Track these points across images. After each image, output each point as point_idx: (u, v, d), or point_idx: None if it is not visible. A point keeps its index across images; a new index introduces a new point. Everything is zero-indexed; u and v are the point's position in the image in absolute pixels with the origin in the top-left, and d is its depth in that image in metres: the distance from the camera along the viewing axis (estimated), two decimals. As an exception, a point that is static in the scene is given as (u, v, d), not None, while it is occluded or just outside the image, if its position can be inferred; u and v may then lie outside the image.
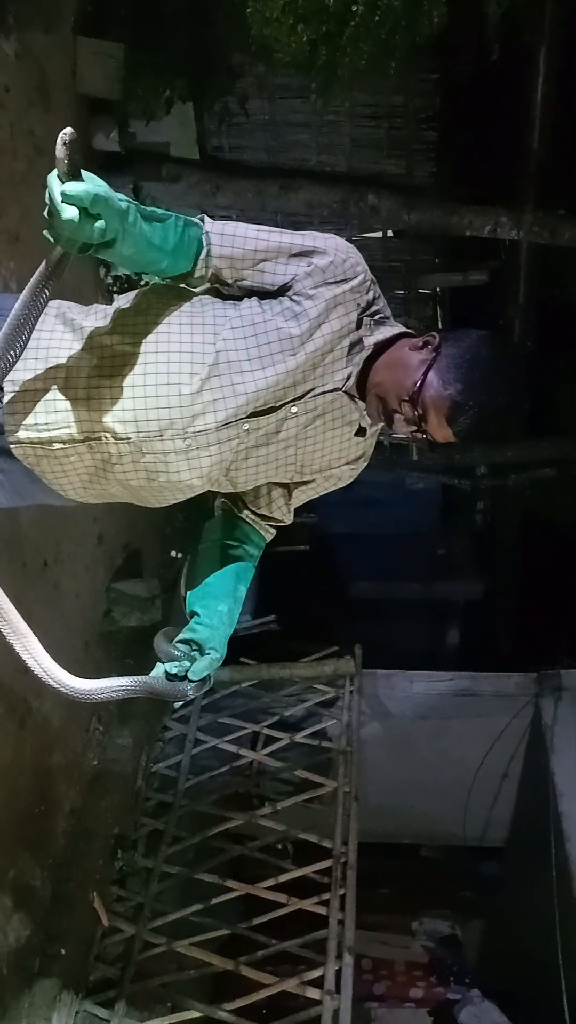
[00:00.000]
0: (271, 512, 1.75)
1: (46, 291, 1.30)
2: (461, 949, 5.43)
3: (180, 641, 1.59)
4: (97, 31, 3.88)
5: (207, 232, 1.48)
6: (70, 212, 1.19)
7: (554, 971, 4.24)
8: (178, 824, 4.13)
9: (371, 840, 4.31)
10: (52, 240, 1.25)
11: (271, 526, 1.78)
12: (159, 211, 1.41)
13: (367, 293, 1.56)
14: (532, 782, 5.04)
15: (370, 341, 1.58)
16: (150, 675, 1.54)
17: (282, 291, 1.53)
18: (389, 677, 5.12)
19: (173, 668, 1.53)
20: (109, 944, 3.72)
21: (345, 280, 1.52)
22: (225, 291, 1.55)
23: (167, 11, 4.03)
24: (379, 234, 5.30)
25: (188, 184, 4.48)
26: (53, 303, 1.51)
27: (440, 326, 5.70)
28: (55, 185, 1.19)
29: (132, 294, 1.55)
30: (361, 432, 1.65)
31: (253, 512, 1.74)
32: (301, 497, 1.76)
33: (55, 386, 1.49)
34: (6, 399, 1.51)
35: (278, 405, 1.52)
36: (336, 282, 1.52)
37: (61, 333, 1.52)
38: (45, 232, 1.24)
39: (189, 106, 4.44)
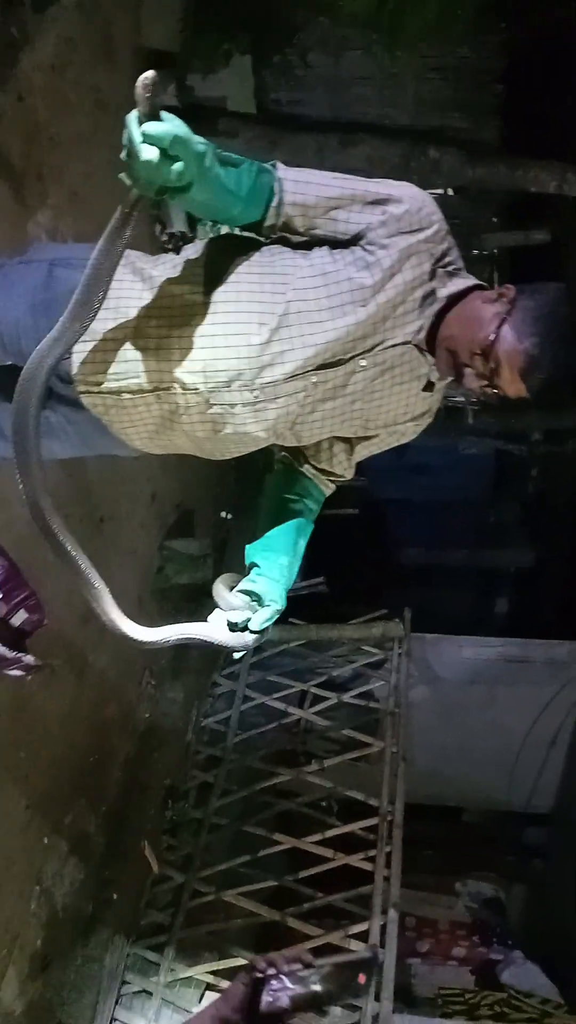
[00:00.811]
0: (332, 467, 1.74)
1: (124, 236, 1.29)
2: (505, 912, 5.47)
3: (241, 591, 1.60)
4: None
5: (280, 179, 1.44)
6: (149, 152, 1.17)
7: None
8: (227, 778, 4.21)
9: (416, 801, 4.34)
10: (129, 182, 1.23)
11: (331, 481, 1.77)
12: (234, 156, 1.39)
13: (441, 243, 1.52)
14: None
15: (443, 293, 1.54)
16: (210, 623, 1.56)
17: (354, 240, 1.49)
18: (438, 641, 5.11)
19: (235, 617, 1.54)
20: (159, 891, 3.83)
21: (420, 230, 1.49)
22: (295, 240, 1.52)
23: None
24: (440, 191, 5.18)
25: (245, 139, 4.42)
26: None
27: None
28: (135, 126, 1.17)
29: (200, 244, 1.54)
30: (429, 387, 1.63)
31: (313, 467, 1.74)
32: (363, 452, 1.75)
33: (124, 336, 1.49)
34: (76, 347, 1.52)
35: (347, 358, 1.50)
36: (411, 231, 1.48)
37: (131, 283, 1.51)
38: (122, 175, 1.22)
39: (247, 59, 4.37)
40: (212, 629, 1.54)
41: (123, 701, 3.90)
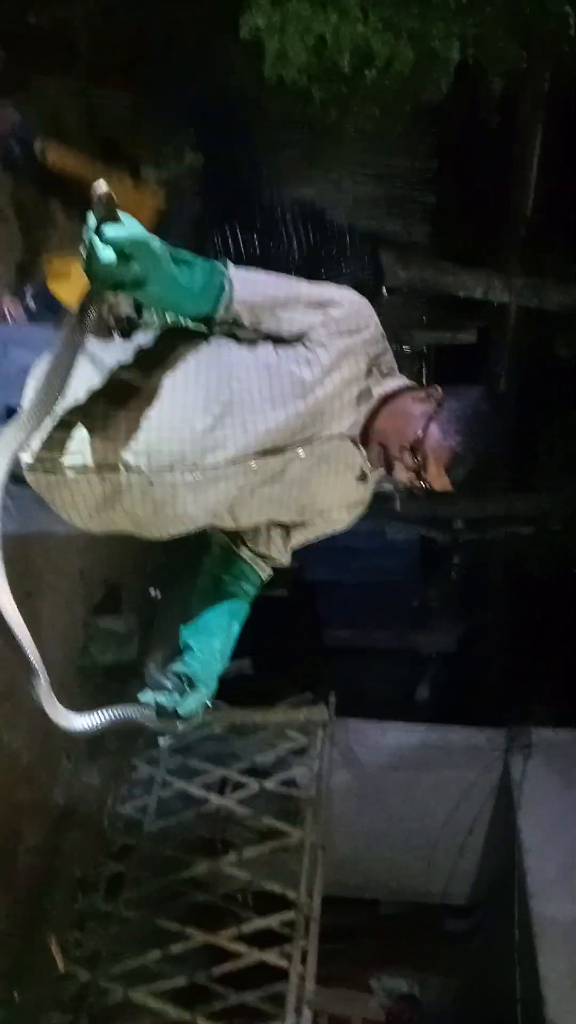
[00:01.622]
0: (269, 551, 1.77)
1: (84, 328, 1.33)
2: (420, 1007, 5.34)
3: (173, 673, 1.60)
4: (110, 81, 3.96)
5: (230, 277, 1.51)
6: (108, 254, 1.22)
7: (514, 1033, 4.19)
8: (141, 868, 4.06)
9: (334, 893, 4.26)
10: (87, 277, 1.27)
11: (269, 565, 1.80)
12: (188, 254, 1.45)
13: (376, 345, 1.61)
14: (499, 838, 5.02)
15: (377, 391, 1.62)
16: (139, 704, 1.54)
17: (297, 338, 1.57)
18: (361, 726, 5.10)
19: (164, 699, 1.54)
20: (64, 988, 3.63)
21: (357, 331, 1.57)
22: (241, 334, 1.58)
23: (180, 65, 4.14)
24: (373, 291, 5.41)
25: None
26: None
27: (425, 384, 5.80)
28: (92, 227, 1.22)
29: (150, 333, 1.59)
30: (363, 478, 1.69)
31: (251, 550, 1.77)
32: (299, 539, 1.79)
33: (73, 415, 1.52)
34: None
35: (285, 446, 1.55)
36: (349, 333, 1.57)
37: (81, 365, 1.53)
38: (96, 279, 1.27)
39: (199, 156, 4.53)
40: (140, 711, 1.53)
41: (37, 784, 3.76)
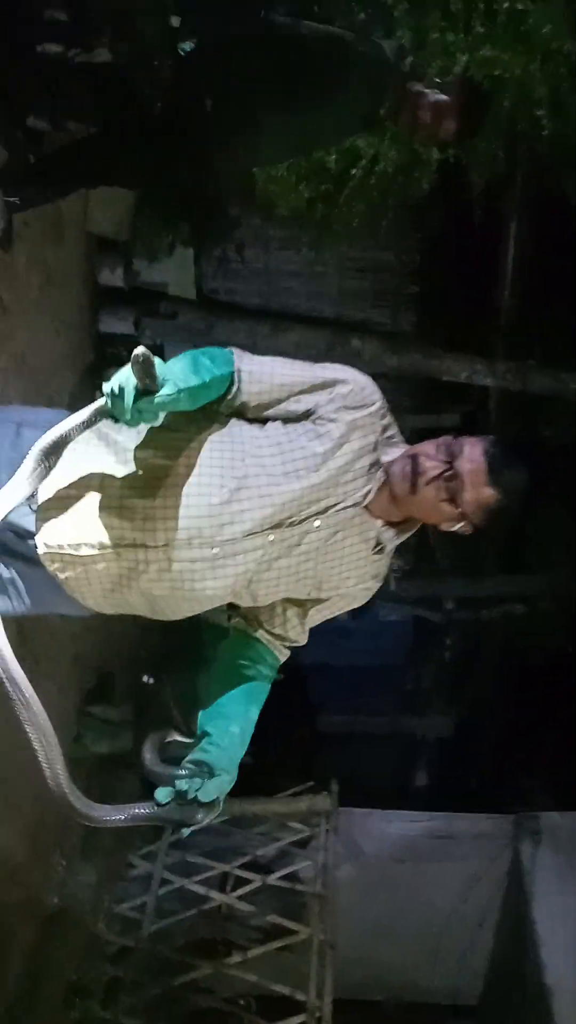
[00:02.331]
0: (286, 632, 1.75)
1: (92, 424, 1.42)
2: None
3: (190, 762, 1.53)
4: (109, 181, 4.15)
5: (239, 369, 1.57)
6: (134, 411, 1.34)
7: None
8: (140, 971, 3.85)
9: (340, 995, 4.04)
10: (109, 406, 1.38)
11: (285, 646, 1.78)
12: (204, 363, 1.51)
13: (383, 419, 1.66)
14: (510, 930, 4.82)
15: (387, 460, 1.65)
16: (155, 800, 1.45)
17: (305, 416, 1.61)
18: (365, 816, 4.95)
19: (185, 786, 1.44)
20: None
21: (364, 406, 1.62)
22: (250, 415, 1.63)
23: (175, 162, 4.34)
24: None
25: (184, 321, 4.70)
26: None
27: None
28: (130, 393, 1.32)
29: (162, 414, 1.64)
30: (379, 549, 1.69)
31: (268, 632, 1.75)
32: (316, 617, 1.78)
33: (88, 495, 1.54)
34: (39, 504, 1.55)
35: (301, 518, 1.57)
36: (356, 407, 1.61)
37: (95, 446, 1.58)
38: (106, 402, 1.37)
39: (190, 252, 4.71)
40: (158, 809, 1.43)
41: (29, 883, 3.60)
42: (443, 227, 4.83)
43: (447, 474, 1.56)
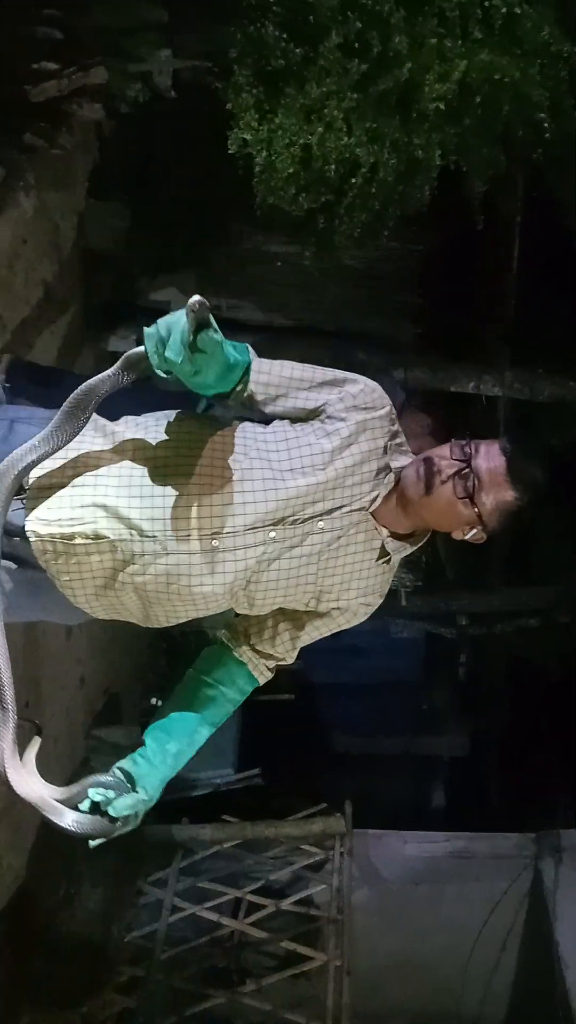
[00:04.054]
0: (273, 648, 1.69)
1: (118, 383, 1.42)
2: None
3: (118, 768, 1.52)
4: (106, 194, 4.13)
5: (252, 359, 1.54)
6: (180, 352, 1.31)
7: None
8: (152, 1002, 3.75)
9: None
10: (146, 351, 1.36)
11: (269, 668, 1.71)
12: (237, 354, 1.50)
13: (393, 425, 1.63)
14: (535, 953, 4.68)
15: (396, 466, 1.61)
16: (67, 796, 1.45)
17: (313, 415, 1.58)
18: (380, 837, 4.83)
19: (97, 795, 1.44)
20: None
21: (373, 408, 1.59)
22: (256, 416, 1.60)
23: (173, 179, 4.32)
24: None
25: (186, 338, 4.67)
26: None
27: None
28: (185, 328, 1.29)
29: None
30: (384, 559, 1.63)
31: (252, 648, 1.68)
32: (312, 634, 1.71)
33: (83, 485, 1.50)
34: (31, 491, 1.51)
35: (305, 517, 1.52)
36: (365, 408, 1.58)
37: (92, 437, 1.54)
38: (149, 349, 1.35)
39: (190, 267, 4.68)
40: (61, 808, 1.42)
41: (37, 910, 3.51)
42: (446, 235, 4.79)
43: (465, 471, 1.51)
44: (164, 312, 4.32)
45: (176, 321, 1.32)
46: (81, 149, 3.82)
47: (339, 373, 1.60)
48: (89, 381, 1.43)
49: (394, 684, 7.08)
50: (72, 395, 1.42)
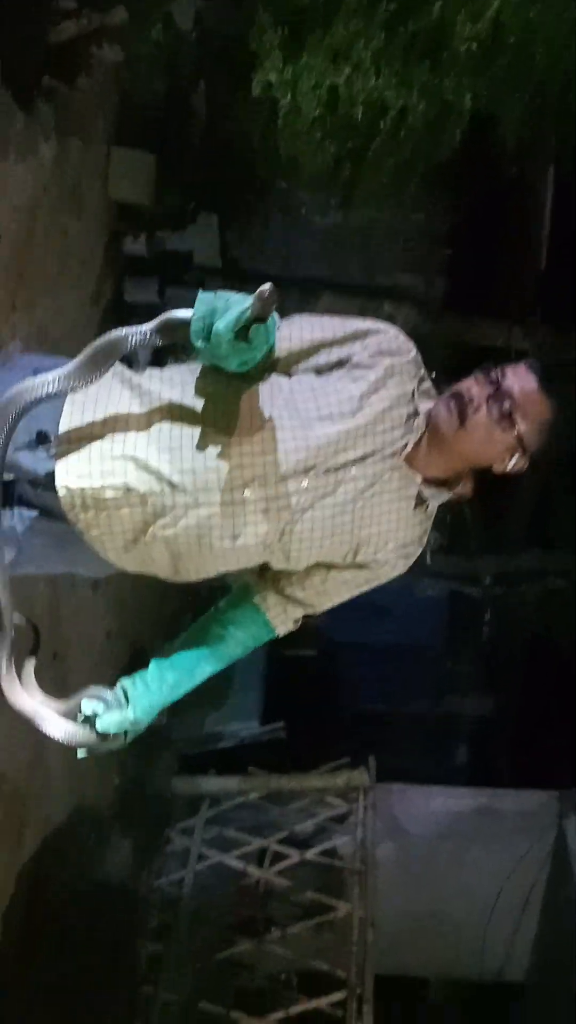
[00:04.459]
0: (304, 592, 1.64)
1: (147, 341, 1.38)
2: None
3: (121, 685, 1.52)
4: (131, 141, 4.05)
5: (277, 326, 1.50)
6: (229, 336, 1.27)
7: None
8: (181, 947, 3.83)
9: (380, 972, 3.97)
10: (192, 333, 1.32)
11: (294, 620, 1.68)
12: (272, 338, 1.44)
13: (420, 369, 1.58)
14: (557, 911, 4.71)
15: (425, 409, 1.56)
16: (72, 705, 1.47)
17: (339, 365, 1.55)
18: (404, 792, 4.86)
19: (88, 708, 1.45)
20: None
21: (400, 353, 1.55)
22: (279, 370, 1.56)
23: (198, 126, 4.23)
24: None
25: (210, 289, 4.60)
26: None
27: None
28: (247, 311, 1.24)
29: (188, 363, 1.56)
30: (422, 505, 1.60)
31: (279, 594, 1.65)
32: (351, 586, 1.65)
33: (112, 436, 1.48)
34: (59, 444, 1.48)
35: (338, 465, 1.49)
36: (391, 353, 1.54)
37: (119, 389, 1.52)
38: (197, 314, 1.31)
39: (214, 218, 4.60)
40: (52, 719, 1.45)
41: (69, 860, 3.58)
42: (477, 187, 4.67)
43: (496, 394, 1.47)
44: (187, 262, 4.25)
45: (238, 300, 1.28)
46: (101, 94, 3.74)
47: (361, 323, 1.56)
48: (118, 332, 1.38)
49: (418, 643, 7.08)
50: (97, 342, 1.38)
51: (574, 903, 4.40)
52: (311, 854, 4.24)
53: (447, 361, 5.67)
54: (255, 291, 1.22)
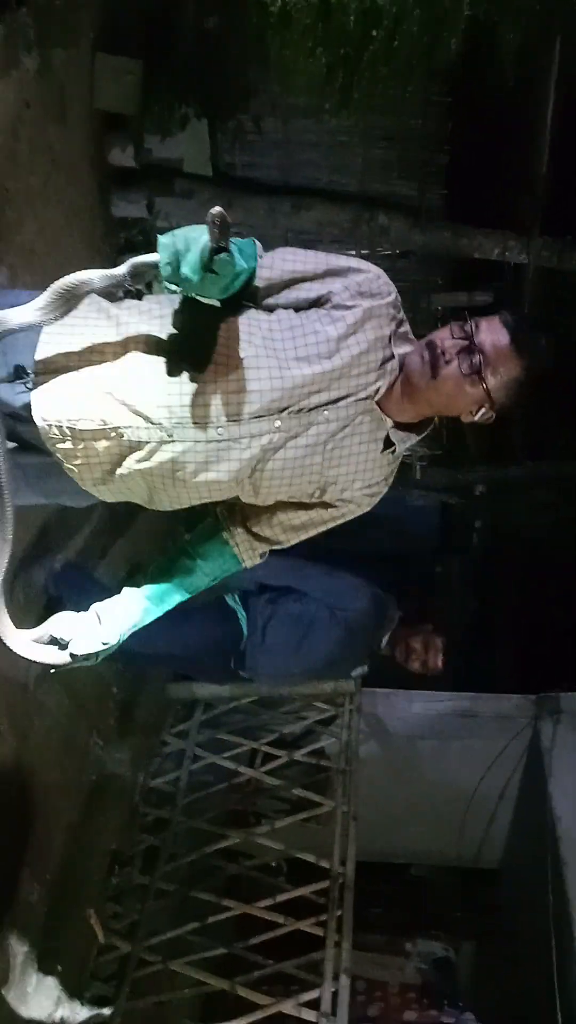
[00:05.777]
0: (271, 531, 1.72)
1: (115, 283, 1.40)
2: (455, 972, 5.40)
3: (95, 608, 1.62)
4: (115, 48, 3.89)
5: (259, 256, 1.54)
6: (195, 272, 1.30)
7: (549, 996, 4.22)
8: (175, 841, 4.11)
9: (364, 859, 4.28)
10: (161, 269, 1.34)
11: (260, 554, 1.76)
12: (250, 262, 1.48)
13: (398, 312, 1.61)
14: (529, 805, 5.02)
15: (400, 352, 1.60)
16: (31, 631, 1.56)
17: (318, 303, 1.57)
18: (388, 696, 5.10)
19: (59, 631, 1.57)
20: (104, 961, 3.69)
21: (379, 295, 1.58)
22: (259, 302, 1.59)
23: (186, 30, 4.05)
24: (388, 253, 5.31)
25: (200, 200, 4.49)
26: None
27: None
28: (206, 247, 1.26)
29: (167, 295, 1.57)
30: (389, 448, 1.65)
31: (247, 530, 1.72)
32: (317, 523, 1.73)
33: (88, 369, 1.51)
34: (35, 376, 1.52)
35: (311, 406, 1.53)
36: (371, 295, 1.56)
37: (95, 319, 1.53)
38: (162, 260, 1.32)
39: (204, 124, 4.45)
40: (19, 637, 1.53)
41: (67, 764, 3.79)
42: (475, 92, 4.50)
43: (469, 347, 1.51)
44: (177, 172, 4.16)
45: (196, 238, 1.29)
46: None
47: (343, 260, 1.58)
48: (86, 273, 1.39)
49: (408, 551, 7.20)
50: (63, 279, 1.39)
51: (545, 797, 4.69)
52: (299, 755, 4.47)
53: (444, 274, 5.60)
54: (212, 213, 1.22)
